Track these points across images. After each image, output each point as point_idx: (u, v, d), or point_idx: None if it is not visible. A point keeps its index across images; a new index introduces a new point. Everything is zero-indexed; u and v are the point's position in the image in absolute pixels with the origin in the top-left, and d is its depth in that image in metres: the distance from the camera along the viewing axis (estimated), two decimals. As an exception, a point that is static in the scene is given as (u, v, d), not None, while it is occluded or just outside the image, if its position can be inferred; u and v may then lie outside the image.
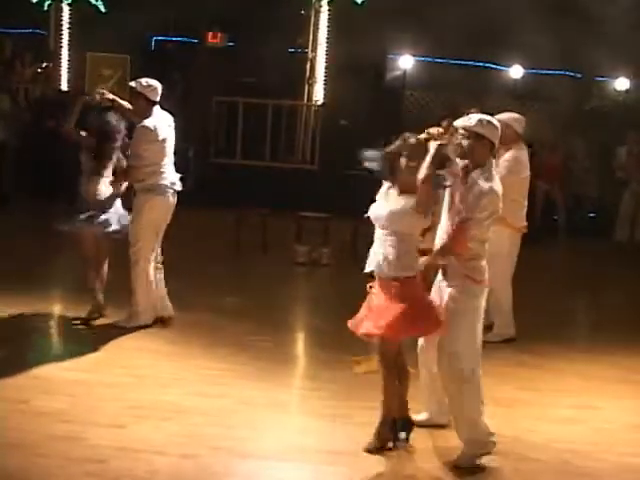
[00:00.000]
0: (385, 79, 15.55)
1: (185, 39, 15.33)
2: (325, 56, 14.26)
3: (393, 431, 4.78)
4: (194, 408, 5.23)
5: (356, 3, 13.90)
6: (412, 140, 4.65)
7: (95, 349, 6.23)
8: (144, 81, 6.71)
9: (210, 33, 14.57)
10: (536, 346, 7.01)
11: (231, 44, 14.82)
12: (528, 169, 7.05)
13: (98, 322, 6.87)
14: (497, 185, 4.67)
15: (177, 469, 4.41)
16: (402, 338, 4.75)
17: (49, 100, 13.81)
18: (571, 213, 13.77)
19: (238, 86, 14.19)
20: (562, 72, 15.47)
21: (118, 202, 6.89)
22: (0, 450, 4.48)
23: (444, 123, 6.13)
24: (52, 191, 11.70)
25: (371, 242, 4.86)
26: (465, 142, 4.71)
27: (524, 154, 7.03)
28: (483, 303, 4.75)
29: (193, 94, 14.11)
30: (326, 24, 14.22)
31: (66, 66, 15.07)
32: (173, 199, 6.81)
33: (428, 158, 4.54)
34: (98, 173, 6.71)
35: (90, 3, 14.62)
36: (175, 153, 6.91)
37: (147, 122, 6.64)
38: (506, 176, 6.06)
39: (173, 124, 6.86)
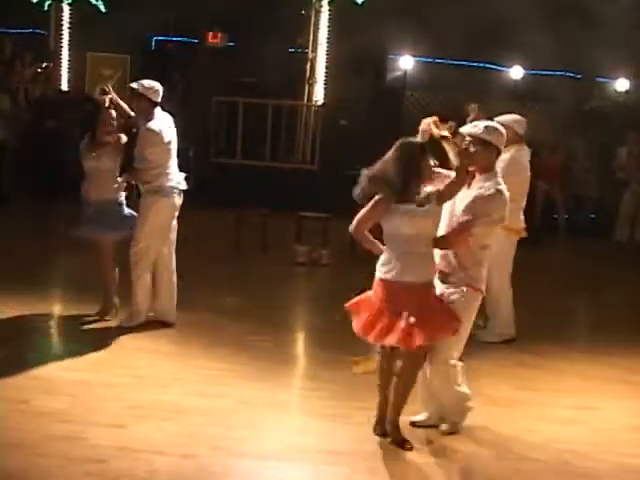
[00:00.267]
0: (385, 79, 15.53)
1: (185, 39, 15.32)
2: (325, 56, 14.26)
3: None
4: (194, 408, 5.23)
5: (356, 3, 13.90)
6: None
7: (95, 349, 6.23)
8: (146, 82, 6.70)
9: (210, 33, 14.57)
10: (536, 346, 7.01)
11: (231, 44, 14.81)
12: (528, 170, 7.05)
13: (98, 322, 6.88)
14: (505, 190, 4.75)
15: (177, 469, 4.42)
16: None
17: (49, 100, 13.81)
18: (571, 213, 13.78)
19: (238, 86, 14.19)
20: (562, 73, 15.46)
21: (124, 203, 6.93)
22: (0, 450, 4.49)
23: (449, 124, 6.12)
24: (52, 191, 11.72)
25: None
26: (472, 148, 4.76)
27: (523, 155, 7.03)
28: (477, 306, 4.94)
29: (193, 94, 14.11)
30: (326, 24, 14.23)
31: (66, 66, 15.07)
32: (179, 199, 6.86)
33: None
34: (120, 174, 6.76)
35: (90, 3, 14.62)
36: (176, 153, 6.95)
37: (152, 125, 6.66)
38: (503, 177, 6.06)
39: (173, 125, 6.87)
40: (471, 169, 4.76)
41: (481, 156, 4.76)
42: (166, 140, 6.71)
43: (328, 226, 10.13)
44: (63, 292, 7.98)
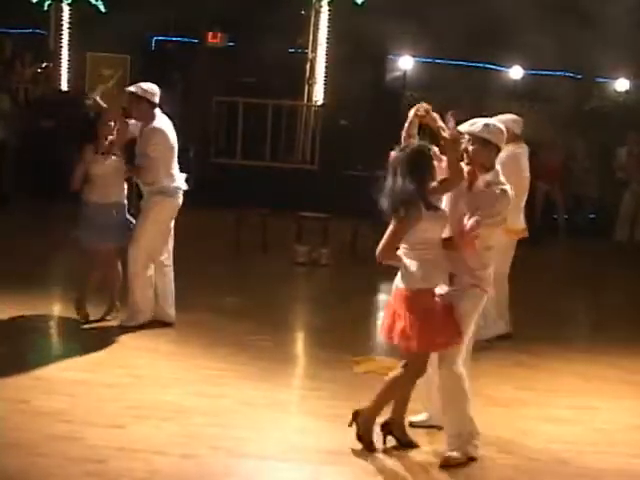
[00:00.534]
0: (385, 80, 15.54)
1: (185, 39, 15.32)
2: (325, 56, 14.26)
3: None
4: (194, 408, 5.23)
5: (356, 4, 13.91)
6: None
7: (95, 349, 6.23)
8: (143, 85, 6.74)
9: (210, 33, 14.56)
10: (535, 346, 7.01)
11: (231, 44, 14.81)
12: (527, 169, 7.04)
13: (98, 322, 6.88)
14: (509, 190, 4.67)
15: (177, 469, 4.41)
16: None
17: (48, 100, 13.81)
18: (571, 213, 13.78)
19: (238, 86, 14.20)
20: (562, 73, 15.46)
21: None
22: (0, 450, 4.48)
23: (449, 113, 6.12)
24: (52, 191, 11.71)
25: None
26: (471, 147, 4.69)
27: (522, 154, 7.02)
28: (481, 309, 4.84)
29: (193, 94, 14.11)
30: (326, 24, 14.23)
31: (66, 66, 15.07)
32: (181, 199, 6.90)
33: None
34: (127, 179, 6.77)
35: (90, 3, 14.62)
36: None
37: (158, 125, 6.70)
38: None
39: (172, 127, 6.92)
40: (471, 168, 4.68)
41: (480, 154, 4.68)
42: (170, 139, 6.76)
43: (328, 226, 10.13)
44: (63, 292, 7.96)
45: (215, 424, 5.00)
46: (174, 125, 6.91)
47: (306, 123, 14.29)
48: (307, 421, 5.19)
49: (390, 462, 4.67)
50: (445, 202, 4.72)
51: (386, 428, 4.82)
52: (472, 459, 4.68)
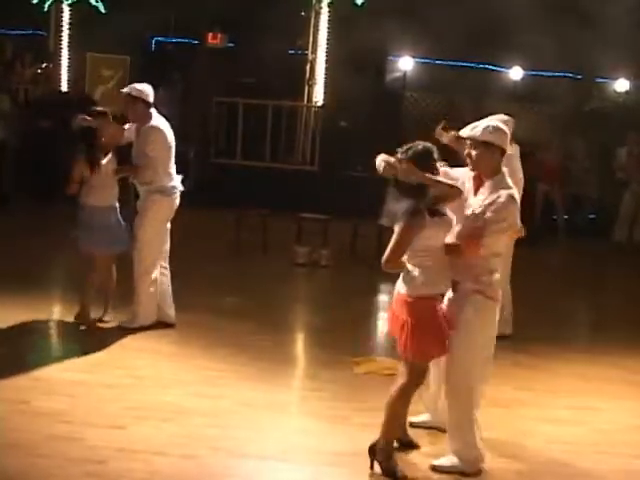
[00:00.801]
0: (385, 80, 15.53)
1: (185, 40, 15.33)
2: (325, 57, 14.26)
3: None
4: (194, 409, 5.23)
5: (356, 4, 13.90)
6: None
7: (95, 350, 6.23)
8: (137, 86, 6.77)
9: (210, 34, 14.56)
10: (535, 347, 7.02)
11: (231, 45, 14.81)
12: (519, 171, 6.95)
13: (99, 323, 6.88)
14: (516, 193, 4.53)
15: (177, 470, 4.41)
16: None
17: (47, 101, 13.80)
18: (571, 214, 13.78)
19: (238, 87, 14.20)
20: (562, 73, 15.46)
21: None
22: (0, 450, 4.48)
23: (442, 124, 6.06)
24: (52, 191, 11.71)
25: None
26: (473, 152, 4.57)
27: (513, 155, 6.95)
28: (496, 318, 4.64)
29: (193, 95, 14.11)
30: (326, 25, 14.22)
31: (66, 67, 15.06)
32: (178, 199, 6.90)
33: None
34: (116, 173, 6.75)
35: (90, 4, 14.61)
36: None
37: (154, 123, 6.72)
38: None
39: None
40: (476, 173, 4.58)
41: (483, 158, 4.53)
42: (167, 138, 6.77)
43: (328, 227, 10.13)
44: (63, 292, 7.97)
45: (215, 425, 5.00)
46: (174, 126, 6.94)
47: (306, 124, 14.29)
48: (307, 422, 5.19)
49: (390, 463, 4.66)
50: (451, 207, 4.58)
51: (372, 452, 4.57)
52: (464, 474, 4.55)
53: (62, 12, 14.90)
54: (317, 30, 14.27)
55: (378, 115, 14.16)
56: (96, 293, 6.88)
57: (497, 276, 4.62)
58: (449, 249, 4.46)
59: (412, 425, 5.01)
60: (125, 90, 6.79)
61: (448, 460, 4.60)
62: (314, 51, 14.30)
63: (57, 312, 7.38)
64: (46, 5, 14.76)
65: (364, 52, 13.67)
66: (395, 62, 15.47)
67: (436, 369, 4.81)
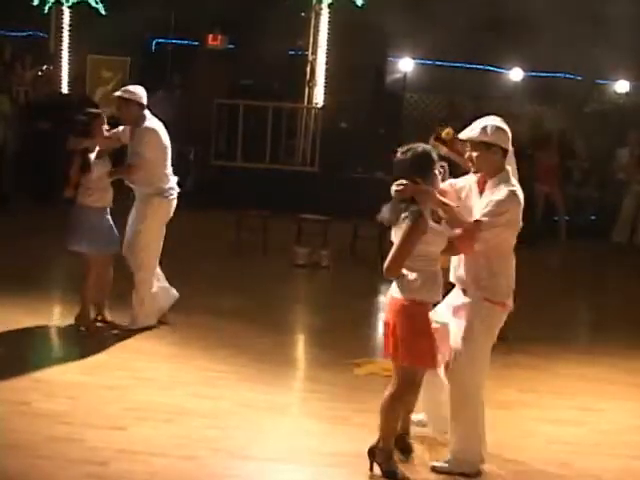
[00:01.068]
0: (385, 82, 15.53)
1: (185, 41, 15.33)
2: (325, 58, 14.25)
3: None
4: (194, 410, 5.22)
5: (356, 6, 13.91)
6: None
7: (95, 351, 6.22)
8: (130, 88, 6.79)
9: (210, 35, 14.56)
10: (535, 347, 7.01)
11: (231, 46, 14.81)
12: (515, 173, 6.94)
13: (98, 324, 6.88)
14: (519, 191, 4.48)
15: (177, 471, 4.41)
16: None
17: (47, 102, 13.79)
18: (571, 215, 13.77)
19: (238, 88, 14.21)
20: (562, 75, 15.47)
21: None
22: (0, 451, 4.48)
23: (446, 130, 6.03)
24: (52, 192, 11.71)
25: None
26: (474, 154, 4.54)
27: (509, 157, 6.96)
28: (500, 325, 4.61)
29: (193, 96, 14.10)
30: (326, 26, 14.23)
31: (66, 69, 15.07)
32: (175, 201, 6.91)
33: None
34: (110, 175, 6.74)
35: (90, 5, 14.62)
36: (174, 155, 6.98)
37: (149, 124, 6.72)
38: None
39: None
40: (480, 175, 4.55)
41: (485, 159, 4.50)
42: (162, 139, 6.76)
43: (328, 228, 10.13)
44: (63, 293, 7.97)
45: (215, 426, 5.00)
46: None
47: (306, 125, 14.29)
48: (307, 423, 5.18)
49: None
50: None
51: (371, 454, 4.54)
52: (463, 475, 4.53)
53: (62, 14, 14.91)
54: (317, 31, 14.27)
55: (378, 116, 14.17)
56: (95, 294, 6.88)
57: (503, 280, 4.52)
58: (446, 246, 4.43)
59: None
60: (117, 93, 6.80)
61: (448, 461, 4.59)
62: (314, 52, 14.30)
63: (57, 313, 7.39)
64: (46, 7, 14.76)
65: (364, 53, 13.68)
66: (395, 63, 15.48)
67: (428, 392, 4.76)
